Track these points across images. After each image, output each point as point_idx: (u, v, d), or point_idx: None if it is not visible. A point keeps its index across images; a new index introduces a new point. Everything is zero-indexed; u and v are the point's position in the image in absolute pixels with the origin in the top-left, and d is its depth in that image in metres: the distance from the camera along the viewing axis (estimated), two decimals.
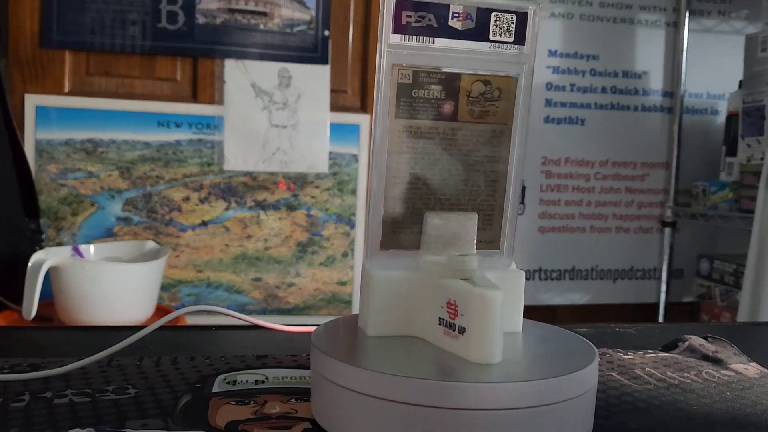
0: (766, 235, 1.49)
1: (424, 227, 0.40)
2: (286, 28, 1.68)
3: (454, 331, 0.37)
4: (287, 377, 0.44)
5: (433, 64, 0.39)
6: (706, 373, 0.47)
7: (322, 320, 0.42)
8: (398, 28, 0.37)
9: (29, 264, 1.10)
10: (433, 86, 0.39)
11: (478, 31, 0.39)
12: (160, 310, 1.33)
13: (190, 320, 1.42)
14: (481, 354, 0.35)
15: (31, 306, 1.08)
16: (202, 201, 1.67)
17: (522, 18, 0.40)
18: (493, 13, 0.39)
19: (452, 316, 0.37)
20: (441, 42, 0.38)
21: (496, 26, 0.39)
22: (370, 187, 0.39)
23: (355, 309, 1.78)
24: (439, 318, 0.38)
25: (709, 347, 0.52)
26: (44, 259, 1.11)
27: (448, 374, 0.33)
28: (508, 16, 0.39)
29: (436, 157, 0.40)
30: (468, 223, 0.41)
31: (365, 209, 0.38)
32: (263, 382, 0.43)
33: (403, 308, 0.39)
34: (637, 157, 1.91)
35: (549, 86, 1.84)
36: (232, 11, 1.64)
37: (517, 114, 0.41)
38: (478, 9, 0.39)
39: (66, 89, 1.60)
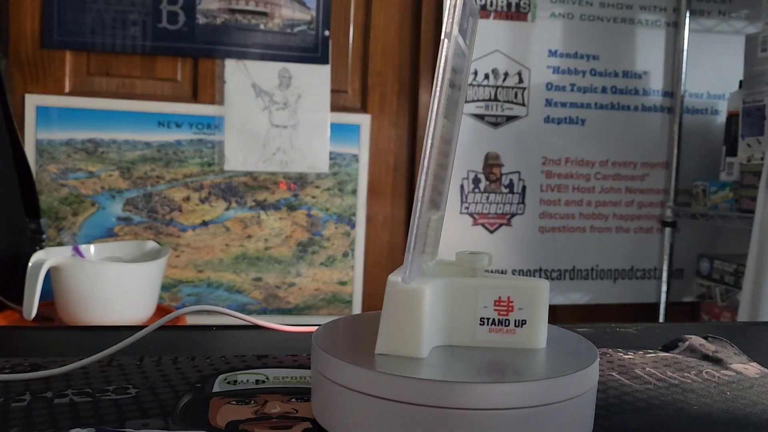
0: (766, 235, 1.49)
1: (427, 230, 0.40)
2: (286, 29, 1.68)
3: (508, 326, 0.38)
4: (288, 377, 0.44)
5: (455, 60, 0.38)
6: (706, 372, 0.47)
7: (323, 320, 0.42)
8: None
9: (29, 264, 1.10)
10: (450, 82, 0.39)
11: (464, 30, 0.39)
12: (161, 310, 1.33)
13: (191, 320, 1.42)
14: (542, 339, 0.38)
15: (32, 306, 1.08)
16: (202, 201, 1.67)
17: (475, 22, 0.41)
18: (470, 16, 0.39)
19: (504, 312, 0.38)
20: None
21: (469, 27, 0.40)
22: (417, 194, 0.35)
23: (356, 309, 1.78)
24: (482, 318, 0.38)
25: (710, 347, 0.52)
26: (44, 259, 1.11)
27: (451, 373, 0.33)
28: (473, 19, 0.40)
29: (441, 157, 0.40)
30: (441, 222, 0.42)
31: (412, 216, 0.35)
32: (264, 382, 0.43)
33: (439, 319, 0.37)
34: (637, 157, 1.91)
35: (549, 86, 1.84)
36: (233, 11, 1.65)
37: (461, 114, 0.42)
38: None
39: (66, 89, 1.60)
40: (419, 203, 0.35)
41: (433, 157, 0.35)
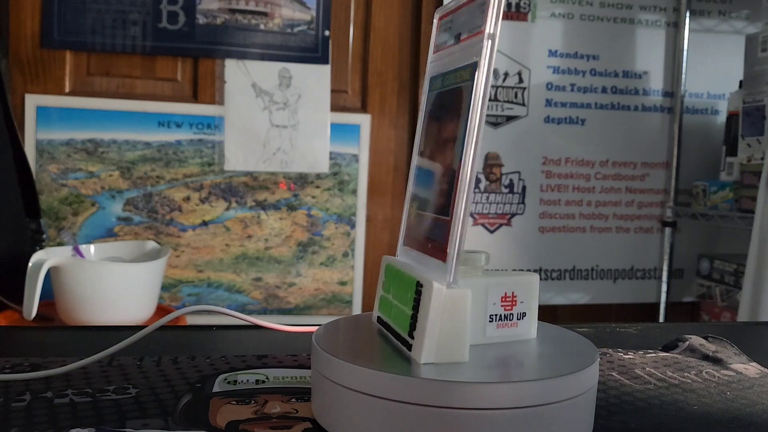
0: (766, 235, 1.49)
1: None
2: (286, 28, 1.68)
3: (512, 320, 0.39)
4: (288, 377, 0.44)
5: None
6: (706, 373, 0.47)
7: (323, 320, 0.42)
8: None
9: (30, 264, 1.10)
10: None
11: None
12: (161, 310, 1.33)
13: (191, 320, 1.42)
14: (535, 330, 0.40)
15: (32, 306, 1.08)
16: (202, 201, 1.67)
17: None
18: None
19: (509, 307, 0.39)
20: None
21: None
22: (459, 196, 0.34)
23: (356, 309, 1.78)
24: (491, 315, 0.39)
25: (710, 347, 0.52)
26: (45, 259, 1.11)
27: (453, 373, 0.33)
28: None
29: None
30: None
31: (453, 219, 0.34)
32: (264, 382, 0.43)
33: None
34: (637, 157, 1.91)
35: (549, 86, 1.84)
36: (233, 11, 1.64)
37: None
38: None
39: (67, 89, 1.60)
40: (462, 205, 0.34)
41: (476, 161, 0.34)
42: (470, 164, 0.34)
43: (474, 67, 0.34)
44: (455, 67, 0.37)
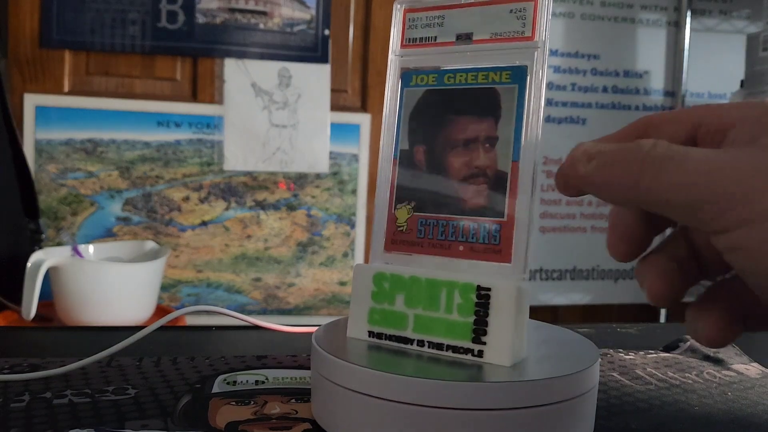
0: None
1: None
2: (286, 28, 1.68)
3: None
4: (287, 378, 0.43)
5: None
6: (707, 373, 0.47)
7: (323, 320, 0.41)
8: None
9: (28, 264, 1.10)
10: None
11: None
12: (160, 310, 1.33)
13: (190, 320, 1.42)
14: None
15: (31, 306, 1.08)
16: (201, 201, 1.67)
17: None
18: None
19: None
20: None
21: None
22: (526, 200, 0.34)
23: None
24: None
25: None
26: (44, 259, 1.11)
27: (449, 374, 0.33)
28: None
29: None
30: None
31: (519, 219, 0.34)
32: (263, 382, 0.42)
33: None
34: None
35: (550, 86, 1.84)
36: (232, 10, 1.64)
37: None
38: None
39: (66, 89, 1.60)
40: (526, 206, 0.34)
41: (539, 170, 0.35)
42: (533, 164, 0.35)
43: (519, 70, 0.36)
44: (474, 67, 0.37)
